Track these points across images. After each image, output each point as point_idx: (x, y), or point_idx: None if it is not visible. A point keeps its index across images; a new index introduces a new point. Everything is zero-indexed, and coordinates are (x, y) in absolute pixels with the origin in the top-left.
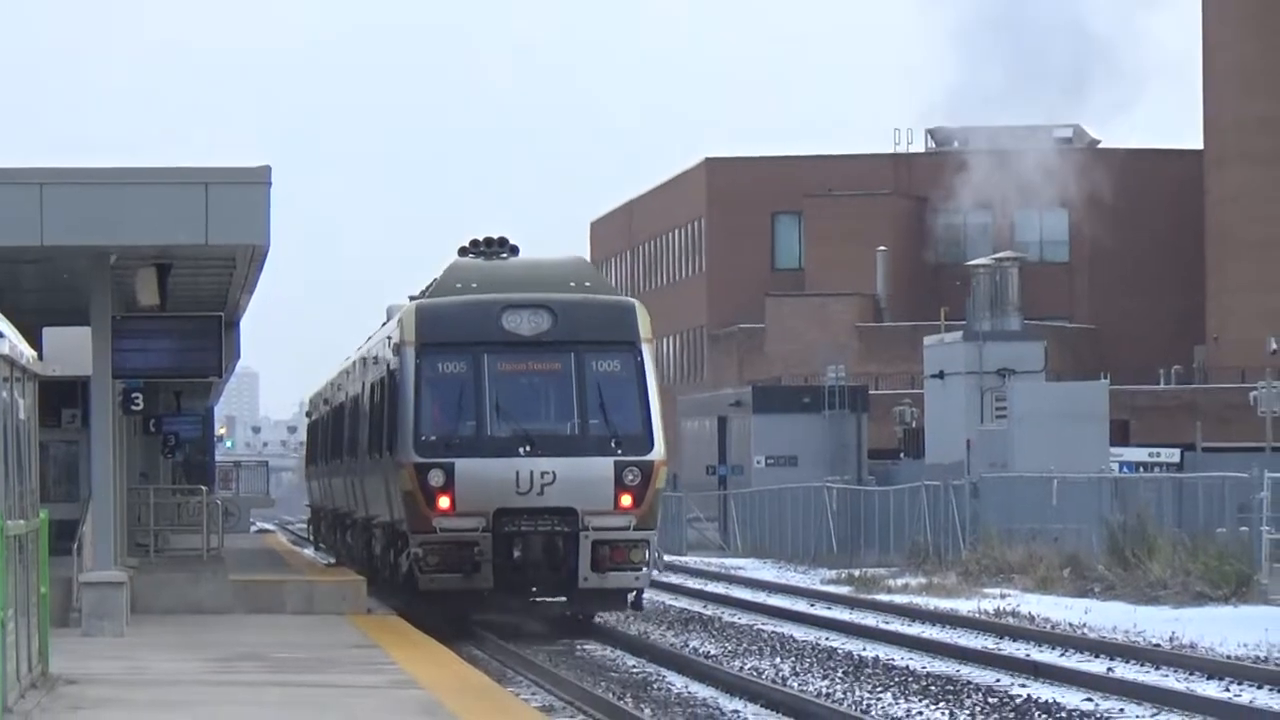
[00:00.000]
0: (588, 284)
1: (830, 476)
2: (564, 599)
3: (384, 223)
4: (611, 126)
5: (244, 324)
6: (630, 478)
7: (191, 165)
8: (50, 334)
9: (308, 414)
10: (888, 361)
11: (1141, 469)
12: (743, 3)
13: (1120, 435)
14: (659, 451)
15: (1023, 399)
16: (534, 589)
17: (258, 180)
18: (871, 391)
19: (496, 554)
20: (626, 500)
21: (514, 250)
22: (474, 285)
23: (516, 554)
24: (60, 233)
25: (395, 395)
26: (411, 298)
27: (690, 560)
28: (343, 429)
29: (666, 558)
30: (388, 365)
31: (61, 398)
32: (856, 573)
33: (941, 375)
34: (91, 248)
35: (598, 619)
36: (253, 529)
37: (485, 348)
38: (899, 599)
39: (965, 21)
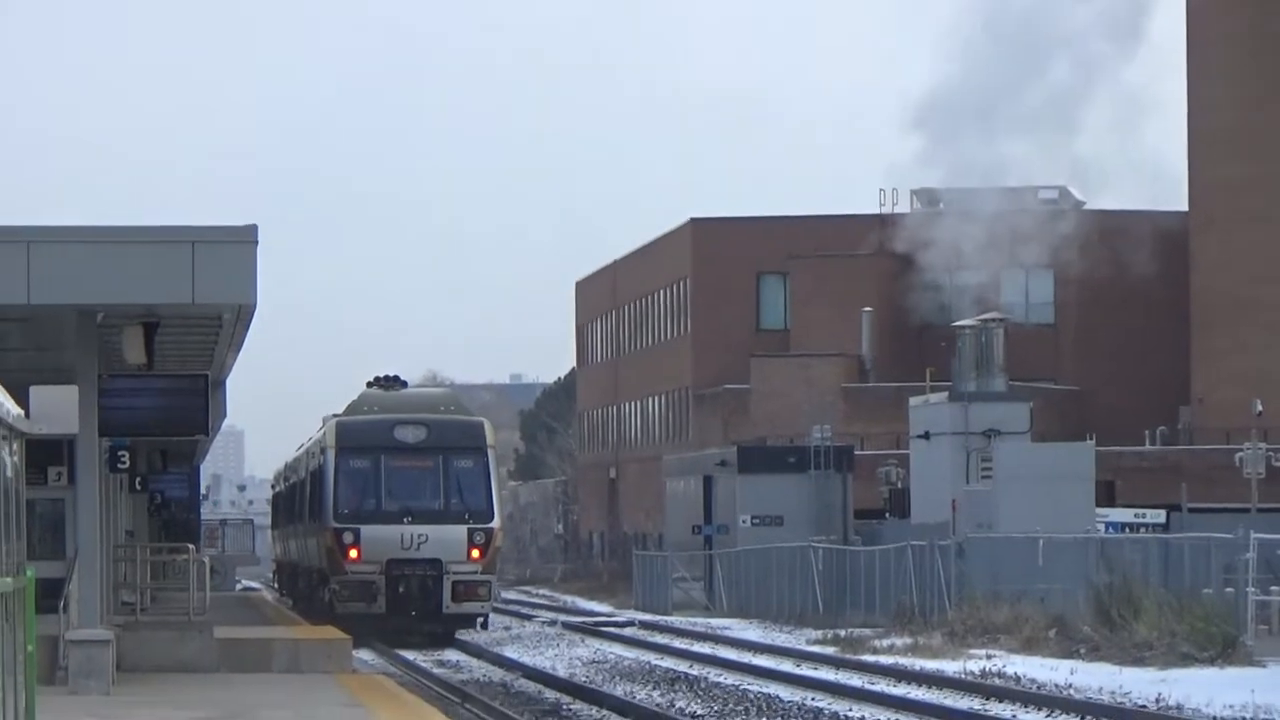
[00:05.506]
0: (453, 408)
1: (816, 536)
2: (433, 620)
3: (370, 284)
4: (596, 188)
5: (230, 382)
6: (478, 538)
7: (179, 224)
8: (37, 392)
9: (272, 486)
10: (873, 422)
11: (1127, 530)
12: (735, 58)
13: (1106, 496)
14: (497, 521)
15: (1008, 460)
16: (413, 613)
17: (244, 239)
18: (857, 452)
19: (388, 589)
20: (475, 554)
21: (404, 384)
22: (375, 408)
23: (401, 590)
24: (47, 291)
25: (321, 480)
26: (335, 415)
27: (675, 620)
28: (293, 501)
29: (652, 617)
30: (318, 459)
31: (48, 455)
32: (842, 633)
33: (927, 436)
34: (78, 306)
35: None
36: (238, 586)
37: (382, 451)
38: (884, 659)
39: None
